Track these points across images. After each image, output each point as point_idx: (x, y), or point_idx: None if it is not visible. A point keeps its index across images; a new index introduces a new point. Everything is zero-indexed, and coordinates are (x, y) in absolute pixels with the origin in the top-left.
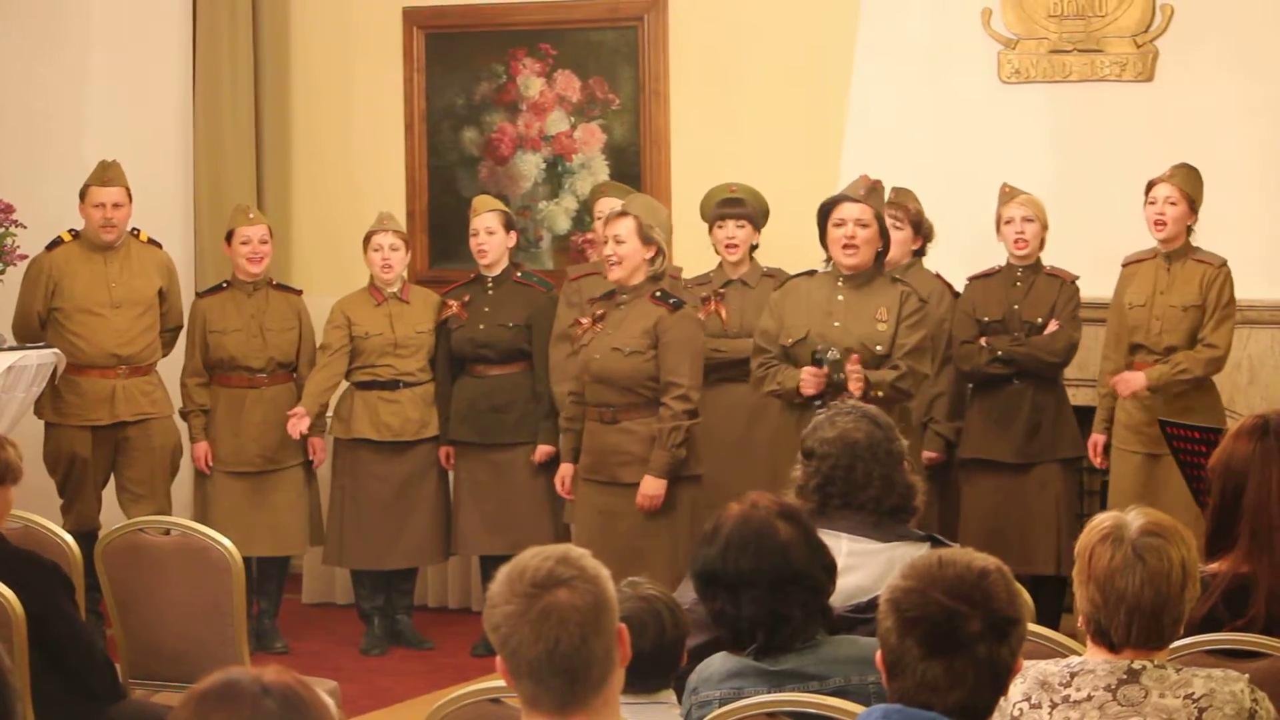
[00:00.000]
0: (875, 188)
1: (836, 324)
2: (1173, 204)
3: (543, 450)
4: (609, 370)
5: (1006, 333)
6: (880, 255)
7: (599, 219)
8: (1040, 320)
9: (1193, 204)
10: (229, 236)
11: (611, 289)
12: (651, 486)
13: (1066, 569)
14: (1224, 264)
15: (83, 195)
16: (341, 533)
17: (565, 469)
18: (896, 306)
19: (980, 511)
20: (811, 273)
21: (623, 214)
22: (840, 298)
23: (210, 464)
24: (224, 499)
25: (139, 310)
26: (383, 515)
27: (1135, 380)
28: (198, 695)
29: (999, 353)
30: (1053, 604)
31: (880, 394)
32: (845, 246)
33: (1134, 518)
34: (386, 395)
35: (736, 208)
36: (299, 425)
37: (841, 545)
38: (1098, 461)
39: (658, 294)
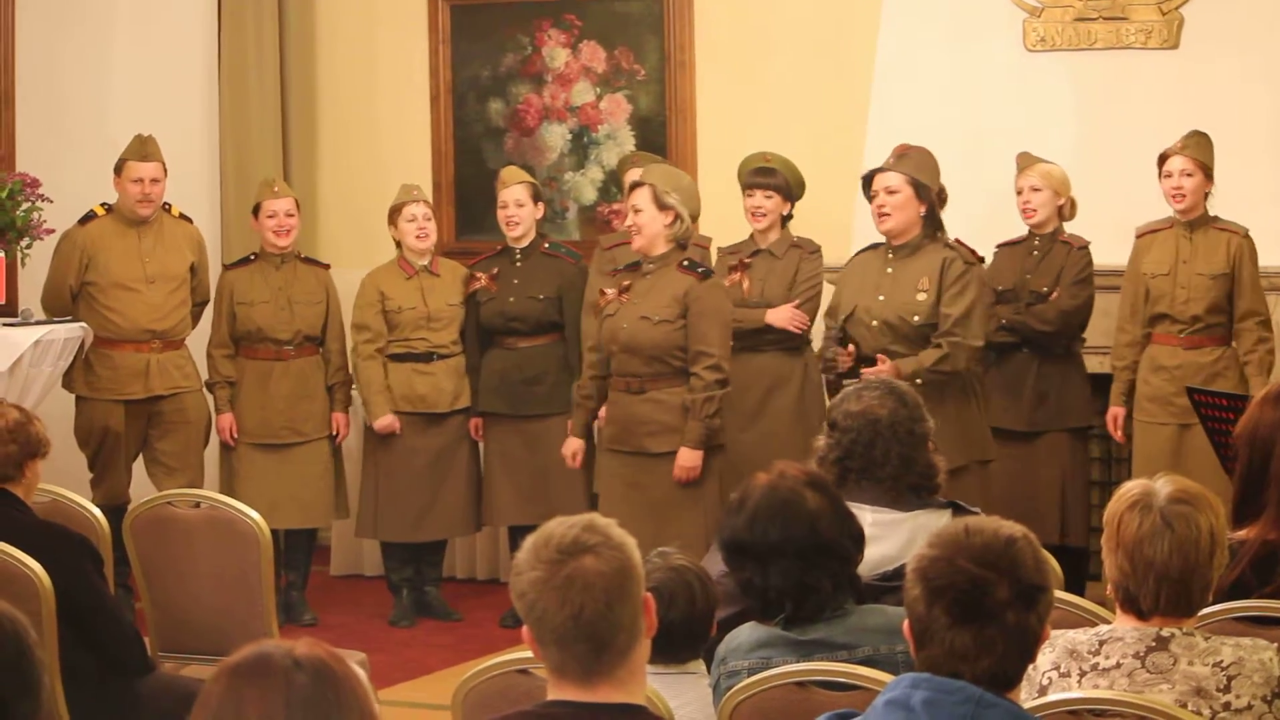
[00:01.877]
0: (905, 153)
1: (881, 297)
2: (1188, 175)
3: None
4: (637, 339)
5: (1017, 301)
6: (925, 220)
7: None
8: (1046, 289)
9: (1207, 172)
10: (256, 210)
11: (636, 260)
12: (688, 458)
13: (1070, 538)
14: (1247, 233)
15: (119, 169)
16: (376, 505)
17: (576, 444)
18: (938, 274)
19: (999, 478)
20: (875, 246)
21: (639, 184)
22: (889, 270)
23: (235, 435)
24: (249, 470)
25: (173, 285)
26: (416, 487)
27: None
28: (230, 670)
29: (1003, 321)
30: (1078, 571)
31: (919, 381)
32: (879, 215)
33: (1162, 485)
34: (421, 368)
35: (767, 177)
36: (389, 427)
37: (865, 516)
38: (1118, 435)
39: (685, 262)
